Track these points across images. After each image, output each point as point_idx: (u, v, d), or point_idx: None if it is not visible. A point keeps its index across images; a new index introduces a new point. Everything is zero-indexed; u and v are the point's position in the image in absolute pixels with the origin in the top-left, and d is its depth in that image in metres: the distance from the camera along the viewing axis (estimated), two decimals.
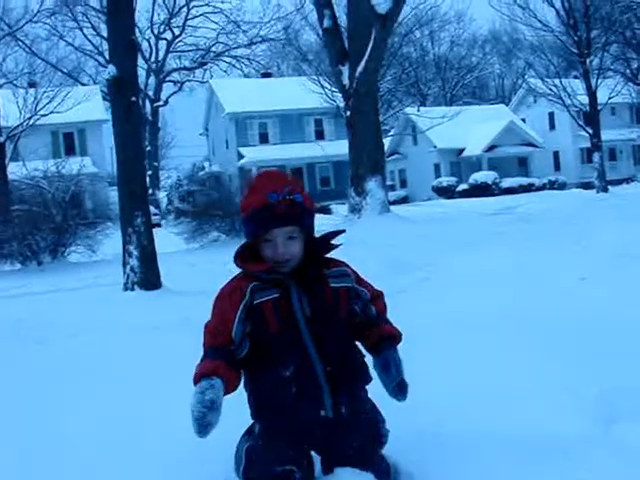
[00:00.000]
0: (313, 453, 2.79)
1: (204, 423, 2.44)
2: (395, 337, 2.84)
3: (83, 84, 49.30)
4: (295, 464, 2.66)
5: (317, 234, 2.83)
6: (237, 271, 2.81)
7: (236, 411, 2.74)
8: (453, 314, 5.93)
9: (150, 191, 43.35)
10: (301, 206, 2.71)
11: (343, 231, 2.84)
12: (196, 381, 2.56)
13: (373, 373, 2.81)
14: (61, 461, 3.37)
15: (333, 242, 2.81)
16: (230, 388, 2.62)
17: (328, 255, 2.82)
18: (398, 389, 2.72)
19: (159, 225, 32.64)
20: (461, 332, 5.27)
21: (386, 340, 2.81)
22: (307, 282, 2.71)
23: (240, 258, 2.76)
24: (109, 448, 3.48)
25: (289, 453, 2.66)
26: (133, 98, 10.90)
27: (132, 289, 10.69)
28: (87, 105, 35.51)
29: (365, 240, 13.29)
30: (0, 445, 3.73)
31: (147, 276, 10.71)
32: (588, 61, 34.75)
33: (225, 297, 2.74)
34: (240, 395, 2.76)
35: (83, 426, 3.90)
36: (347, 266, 2.88)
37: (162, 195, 50.47)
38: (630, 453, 2.79)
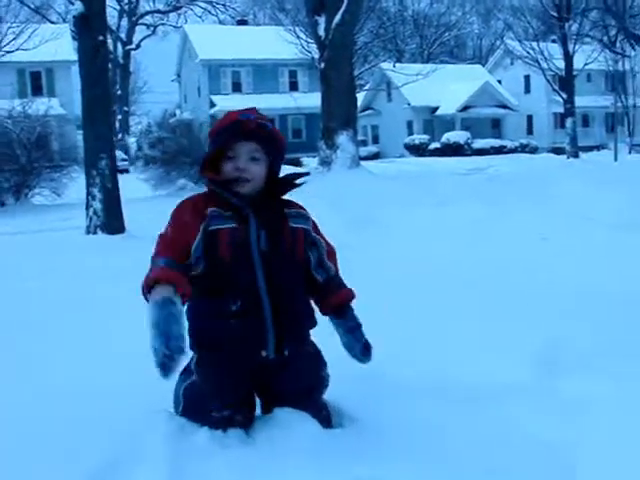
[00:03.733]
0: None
1: (170, 369, 2.29)
2: (352, 299, 2.86)
3: (52, 22, 48.16)
4: (233, 408, 2.64)
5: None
6: None
7: None
8: (409, 268, 5.96)
9: (119, 136, 42.93)
10: (269, 131, 2.72)
11: (308, 173, 2.84)
12: (148, 287, 2.42)
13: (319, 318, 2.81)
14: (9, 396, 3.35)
15: (296, 181, 2.78)
16: (183, 302, 2.47)
17: (289, 196, 2.79)
18: (363, 351, 2.75)
19: (127, 171, 32.32)
20: (416, 285, 5.31)
21: (346, 307, 2.84)
22: (266, 215, 2.66)
23: (204, 169, 2.72)
24: (49, 379, 3.49)
25: (227, 395, 2.64)
26: (101, 37, 10.69)
27: (94, 232, 10.60)
28: (56, 44, 34.72)
29: (332, 194, 13.24)
30: None
31: (110, 220, 10.62)
32: (567, 26, 34.69)
33: (187, 209, 2.65)
34: None
35: (27, 359, 3.92)
36: (306, 211, 2.85)
37: (132, 141, 49.79)
38: (563, 403, 2.86)
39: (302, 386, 2.73)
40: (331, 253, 2.90)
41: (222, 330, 2.61)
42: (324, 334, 2.84)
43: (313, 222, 2.86)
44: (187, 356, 2.41)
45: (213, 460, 2.48)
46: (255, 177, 2.69)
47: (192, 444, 2.56)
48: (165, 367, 2.28)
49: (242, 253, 2.60)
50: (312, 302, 2.86)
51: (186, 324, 2.49)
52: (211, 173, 2.70)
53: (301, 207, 2.84)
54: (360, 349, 2.76)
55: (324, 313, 2.87)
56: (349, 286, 2.90)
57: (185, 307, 2.55)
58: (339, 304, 2.83)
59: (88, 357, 3.89)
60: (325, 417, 2.76)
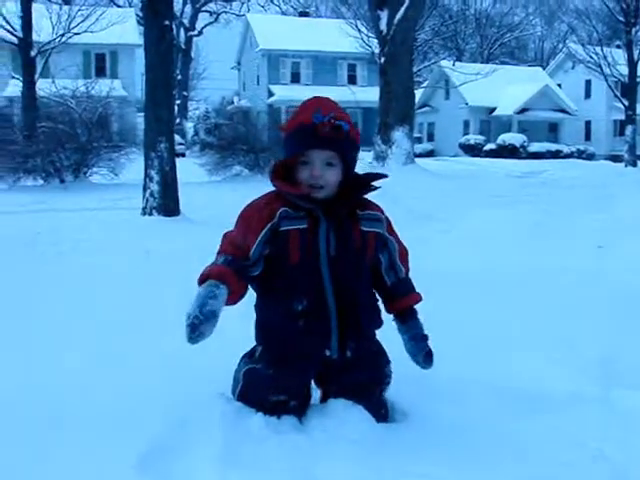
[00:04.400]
0: (313, 385, 2.82)
1: (197, 331, 2.39)
2: (419, 303, 2.85)
3: (119, 6, 48.80)
4: (290, 394, 2.69)
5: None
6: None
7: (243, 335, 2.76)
8: (467, 267, 5.95)
9: (177, 121, 43.30)
10: (345, 133, 2.59)
11: (386, 175, 2.72)
12: (201, 282, 2.52)
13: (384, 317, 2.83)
14: (61, 365, 3.43)
15: (373, 184, 2.70)
16: (233, 299, 2.56)
17: (365, 196, 2.74)
18: (426, 358, 2.74)
19: (183, 155, 32.60)
20: (473, 285, 5.30)
21: (413, 310, 2.82)
22: (338, 219, 2.63)
23: (275, 176, 2.68)
24: (104, 360, 3.53)
25: (287, 382, 2.68)
26: (166, 22, 10.79)
27: (150, 214, 10.74)
28: (121, 28, 35.17)
29: (387, 189, 13.21)
30: (7, 346, 3.79)
31: (166, 202, 10.75)
32: (634, 31, 33.96)
33: (253, 211, 2.66)
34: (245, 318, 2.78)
35: (85, 337, 3.98)
36: (382, 212, 2.79)
37: (189, 126, 50.25)
38: (624, 416, 2.81)
39: (362, 380, 2.74)
40: (403, 254, 2.86)
41: (288, 328, 2.65)
42: (387, 330, 2.85)
43: (388, 221, 2.81)
44: (216, 324, 2.46)
45: (266, 445, 2.52)
46: (329, 183, 2.63)
47: (246, 428, 2.60)
48: (194, 329, 2.39)
49: (311, 256, 2.61)
50: (379, 301, 2.85)
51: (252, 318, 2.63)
52: (282, 182, 2.65)
53: (376, 207, 2.77)
54: (423, 357, 2.74)
55: (389, 312, 2.86)
56: (417, 290, 2.88)
57: (254, 303, 2.70)
58: (405, 308, 2.82)
59: (147, 334, 3.95)
60: (383, 415, 2.78)
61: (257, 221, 2.61)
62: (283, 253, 2.61)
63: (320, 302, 2.61)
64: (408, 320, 2.81)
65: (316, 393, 2.85)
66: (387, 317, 2.86)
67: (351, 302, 2.65)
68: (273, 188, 2.71)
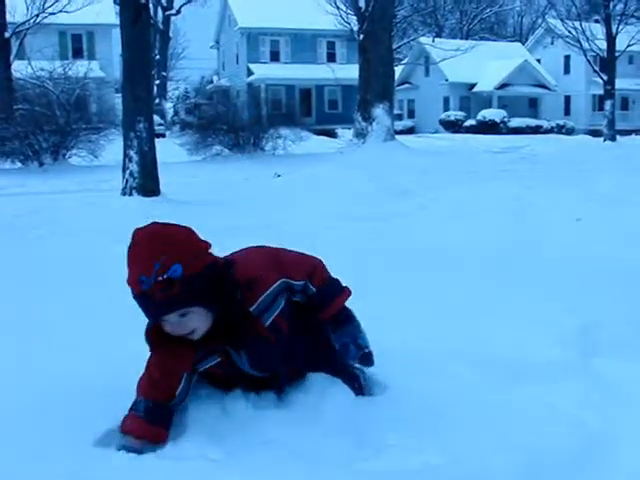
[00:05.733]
0: None
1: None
2: (341, 311, 2.75)
3: None
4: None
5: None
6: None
7: None
8: (447, 242, 5.98)
9: (157, 101, 43.00)
10: (182, 282, 2.28)
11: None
12: (136, 433, 2.40)
13: None
14: (44, 347, 3.42)
15: (251, 309, 2.51)
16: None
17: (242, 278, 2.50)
18: (361, 362, 2.72)
19: (163, 136, 32.43)
20: (446, 260, 5.32)
21: (336, 320, 2.73)
22: (239, 340, 2.53)
23: (155, 342, 2.48)
24: (84, 342, 3.53)
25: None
26: (143, 1, 10.69)
27: (130, 194, 10.70)
28: (97, 7, 34.71)
29: (367, 165, 13.24)
30: None
31: (146, 182, 10.71)
32: (612, 5, 34.01)
33: (171, 348, 2.46)
34: None
35: (63, 316, 4.00)
36: (273, 279, 2.55)
37: (169, 106, 49.96)
38: (605, 385, 2.82)
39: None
40: (311, 274, 2.68)
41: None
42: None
43: (280, 269, 2.59)
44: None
45: (246, 420, 2.53)
46: (196, 328, 2.42)
47: (226, 404, 2.61)
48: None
49: (236, 371, 2.61)
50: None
51: None
52: (159, 343, 2.48)
53: (265, 285, 2.53)
54: (358, 362, 2.73)
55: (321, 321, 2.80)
56: (341, 288, 2.77)
57: None
58: (328, 317, 2.74)
59: (127, 315, 3.94)
60: (357, 388, 2.77)
61: (176, 357, 2.48)
62: (210, 377, 2.67)
63: (256, 379, 2.67)
64: (336, 329, 2.73)
65: None
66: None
67: (296, 364, 2.73)
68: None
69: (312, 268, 2.70)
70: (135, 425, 2.41)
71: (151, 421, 2.42)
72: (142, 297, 2.30)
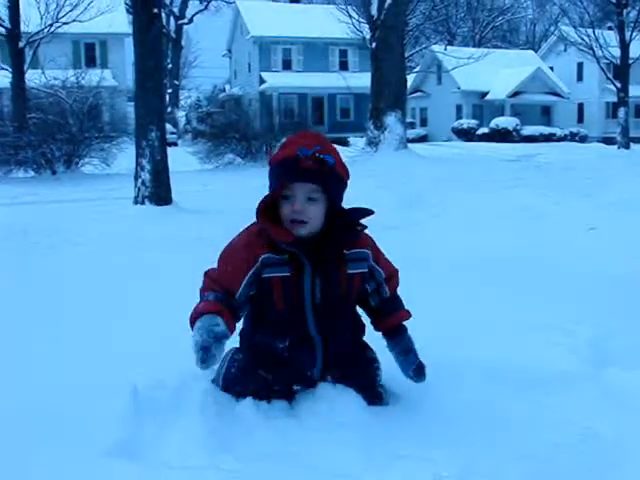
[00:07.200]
0: None
1: (209, 354, 2.39)
2: (407, 320, 2.82)
3: None
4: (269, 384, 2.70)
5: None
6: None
7: None
8: (460, 251, 5.96)
9: (169, 110, 43.19)
10: (330, 167, 2.50)
11: (372, 212, 2.65)
12: (194, 318, 2.49)
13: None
14: (57, 354, 3.42)
15: (361, 222, 2.66)
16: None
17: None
18: (417, 372, 2.71)
19: (176, 144, 32.54)
20: (467, 269, 5.30)
21: (402, 327, 2.80)
22: (323, 263, 2.58)
23: (261, 213, 2.57)
24: (94, 348, 3.53)
25: (268, 378, 2.70)
26: (155, 10, 10.74)
27: (142, 203, 10.71)
28: (110, 17, 34.86)
29: (380, 174, 13.23)
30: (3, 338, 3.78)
31: (158, 191, 10.72)
32: (625, 12, 33.90)
33: (236, 251, 2.62)
34: None
35: (78, 327, 3.97)
36: (368, 244, 2.75)
37: (181, 114, 50.13)
38: (617, 395, 2.80)
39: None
40: (391, 276, 2.83)
41: (272, 354, 2.68)
42: None
43: (374, 249, 2.77)
44: (224, 348, 2.50)
45: (256, 429, 2.51)
46: (313, 219, 2.55)
47: (237, 413, 2.60)
48: (206, 351, 2.39)
49: (295, 303, 2.60)
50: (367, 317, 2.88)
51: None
52: (267, 221, 2.56)
53: (363, 241, 2.72)
54: (413, 371, 2.71)
55: (377, 330, 2.86)
56: (406, 305, 2.87)
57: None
58: (392, 327, 2.81)
59: (140, 321, 3.94)
60: (377, 396, 2.78)
61: (240, 264, 2.58)
62: (267, 299, 2.62)
63: (304, 339, 2.64)
64: (396, 336, 2.79)
65: None
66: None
67: (336, 338, 2.68)
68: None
69: (395, 272, 2.86)
70: (206, 305, 2.53)
71: (220, 302, 2.54)
72: (292, 161, 2.48)
